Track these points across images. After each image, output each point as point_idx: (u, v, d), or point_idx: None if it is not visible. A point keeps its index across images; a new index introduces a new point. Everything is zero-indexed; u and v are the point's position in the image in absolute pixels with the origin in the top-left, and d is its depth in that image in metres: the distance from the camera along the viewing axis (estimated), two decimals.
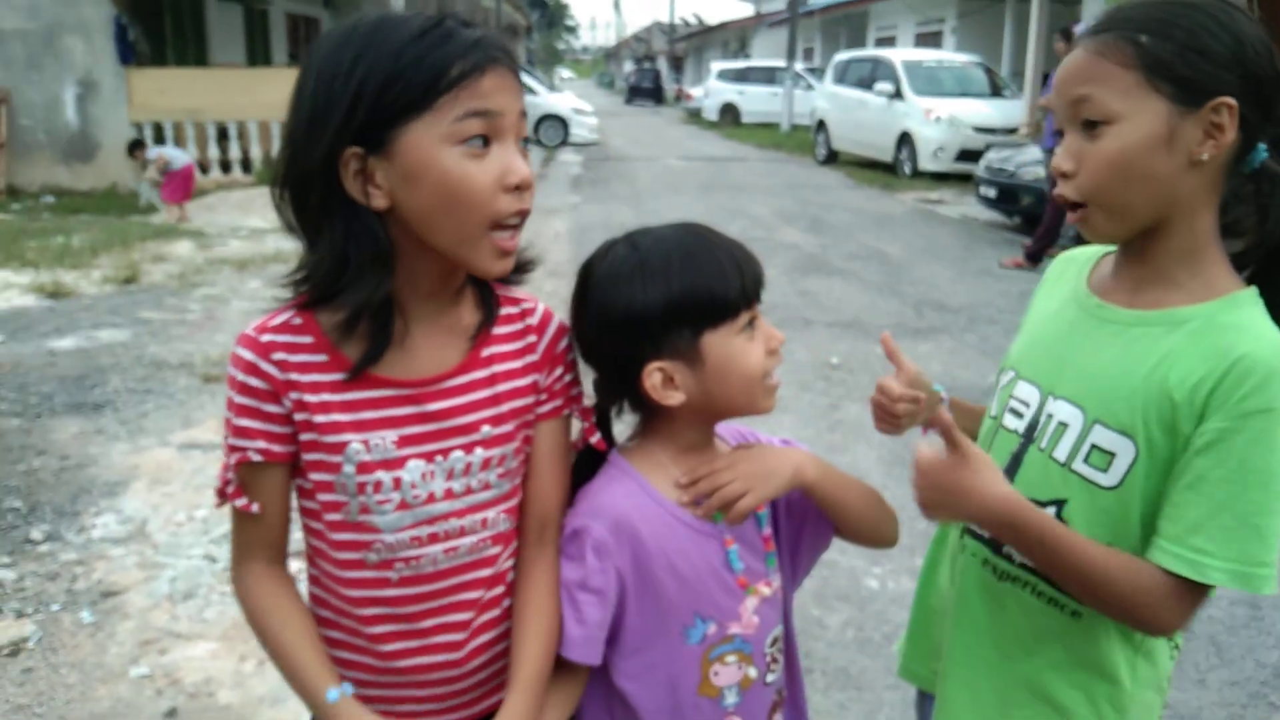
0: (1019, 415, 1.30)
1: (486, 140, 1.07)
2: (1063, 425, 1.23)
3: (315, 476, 1.16)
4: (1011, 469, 1.29)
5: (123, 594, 3.18)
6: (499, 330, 1.23)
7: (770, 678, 1.29)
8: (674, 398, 1.19)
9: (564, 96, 23.06)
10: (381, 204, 1.07)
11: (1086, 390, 1.22)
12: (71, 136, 12.28)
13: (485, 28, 1.10)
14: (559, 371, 1.27)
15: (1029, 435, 1.28)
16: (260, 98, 12.19)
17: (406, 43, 1.04)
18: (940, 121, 14.46)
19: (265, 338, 1.13)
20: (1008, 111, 14.62)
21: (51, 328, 6.24)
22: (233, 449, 1.15)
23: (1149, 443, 1.16)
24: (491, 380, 1.21)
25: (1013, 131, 13.91)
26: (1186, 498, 1.12)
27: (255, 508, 1.16)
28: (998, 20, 19.10)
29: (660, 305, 1.17)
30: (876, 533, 1.34)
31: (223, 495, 1.18)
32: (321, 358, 1.14)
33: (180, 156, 11.26)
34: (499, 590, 1.25)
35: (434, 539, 1.19)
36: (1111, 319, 1.24)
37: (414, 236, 1.10)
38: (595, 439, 1.28)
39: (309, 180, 1.08)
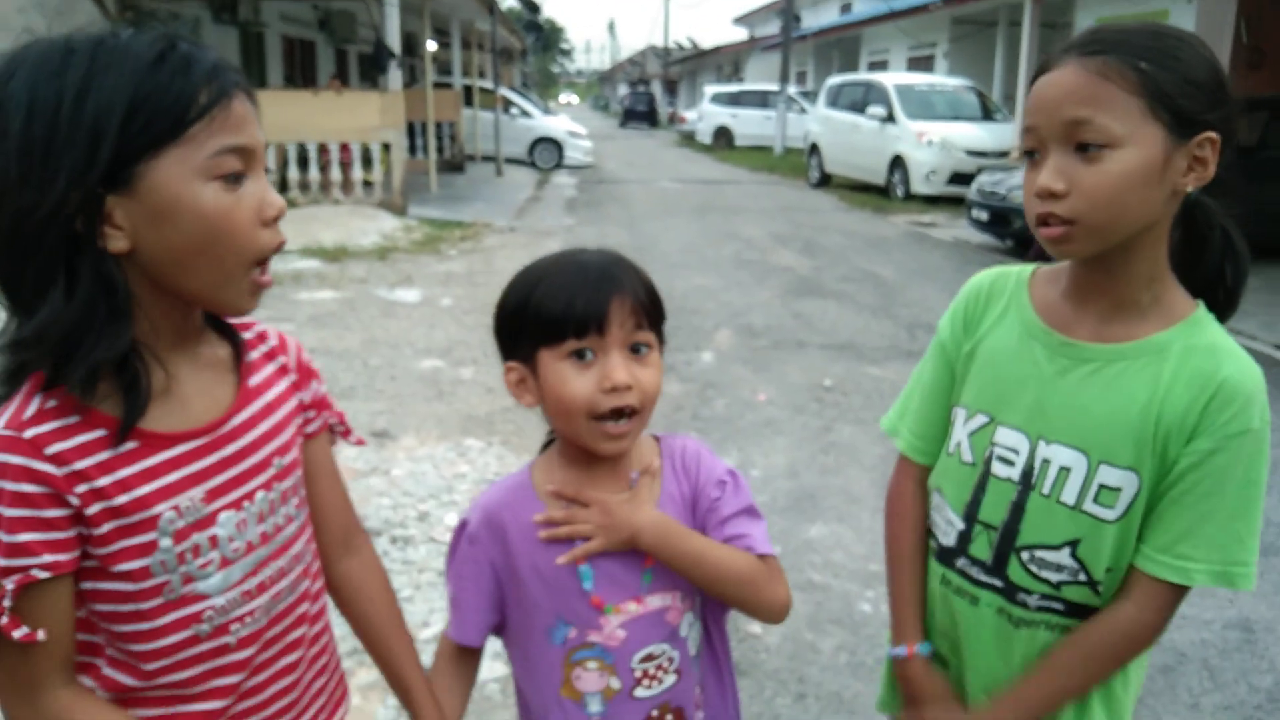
0: (1009, 463, 1.30)
1: (239, 176, 1.00)
2: (1065, 470, 1.25)
3: (126, 567, 1.03)
4: (1015, 517, 1.29)
5: None
6: (252, 356, 1.18)
7: (640, 692, 1.26)
8: (526, 399, 1.24)
9: (558, 119, 23.14)
10: (121, 246, 0.96)
11: (1083, 433, 1.24)
12: None
13: (212, 51, 1.02)
14: (314, 385, 1.26)
15: (1026, 482, 1.28)
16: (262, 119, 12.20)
17: (146, 69, 0.95)
18: (932, 145, 14.54)
19: (29, 433, 0.96)
20: (999, 135, 14.69)
21: None
22: (5, 572, 0.95)
23: (1149, 471, 1.21)
24: (268, 409, 1.16)
25: (1004, 155, 13.99)
26: (1173, 511, 1.20)
27: (41, 634, 0.98)
28: (989, 44, 19.24)
29: (510, 311, 1.24)
30: (742, 606, 1.29)
31: None
32: (100, 433, 1.00)
33: None
34: (321, 620, 1.27)
35: (262, 588, 1.14)
36: (1087, 357, 1.24)
37: (153, 279, 1.00)
38: (353, 439, 1.32)
39: (32, 230, 0.93)
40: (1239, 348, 1.22)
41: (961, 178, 13.71)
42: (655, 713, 1.28)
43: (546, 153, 21.50)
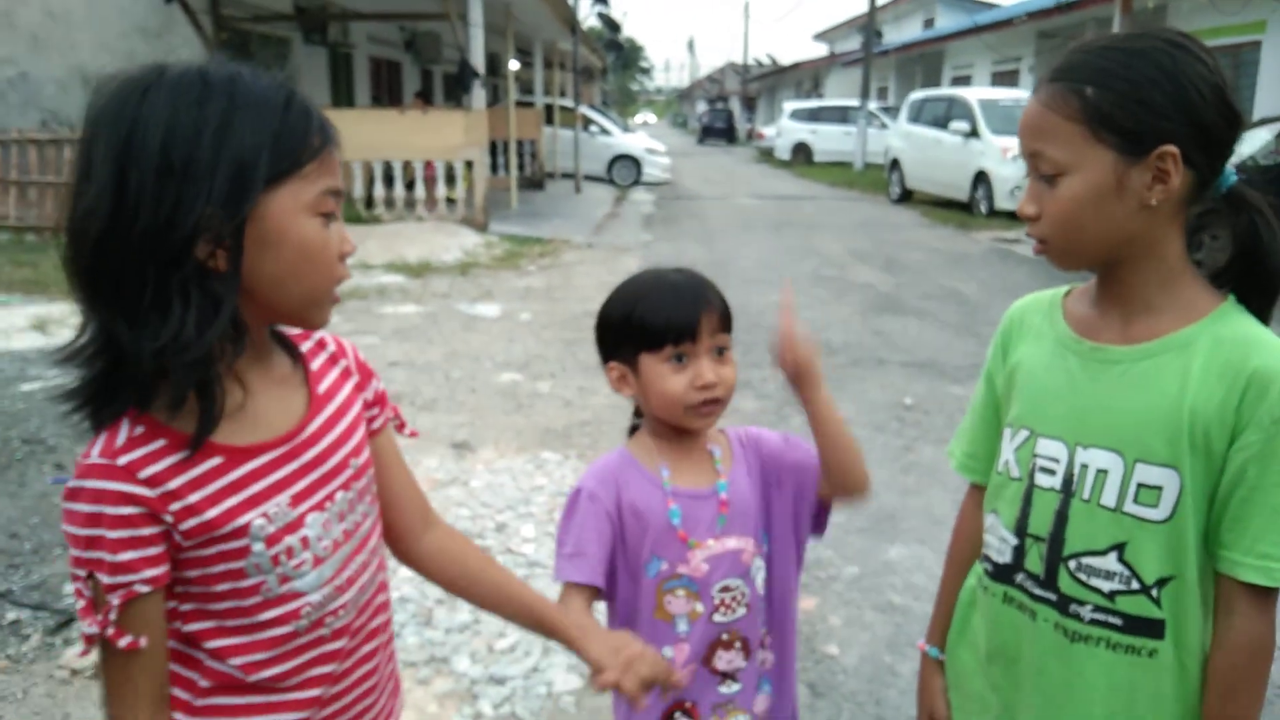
0: (1051, 473, 1.31)
1: (330, 215, 1.11)
2: (1102, 472, 1.25)
3: (220, 568, 1.10)
4: (1059, 526, 1.30)
5: None
6: (315, 364, 1.25)
7: (718, 618, 1.51)
8: (626, 391, 1.51)
9: (637, 137, 23.29)
10: (223, 268, 1.02)
11: (1116, 433, 1.24)
12: None
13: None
14: (374, 383, 1.35)
15: (1067, 490, 1.29)
16: (344, 138, 12.51)
17: (277, 110, 1.05)
18: (1017, 160, 14.14)
19: (122, 460, 1.03)
20: None
21: None
22: (112, 588, 1.03)
23: (1191, 469, 1.20)
24: (339, 414, 1.23)
25: None
26: (1245, 510, 1.18)
27: (144, 641, 1.06)
28: None
29: (614, 321, 1.50)
30: (849, 478, 1.54)
31: (94, 641, 1.06)
32: (185, 453, 1.05)
33: None
34: (389, 609, 1.35)
35: (350, 582, 1.22)
36: (1114, 359, 1.26)
37: (250, 300, 1.06)
38: (408, 431, 1.45)
39: (158, 248, 0.98)
40: (1271, 336, 1.20)
41: None
42: (726, 636, 1.53)
43: (625, 170, 21.64)
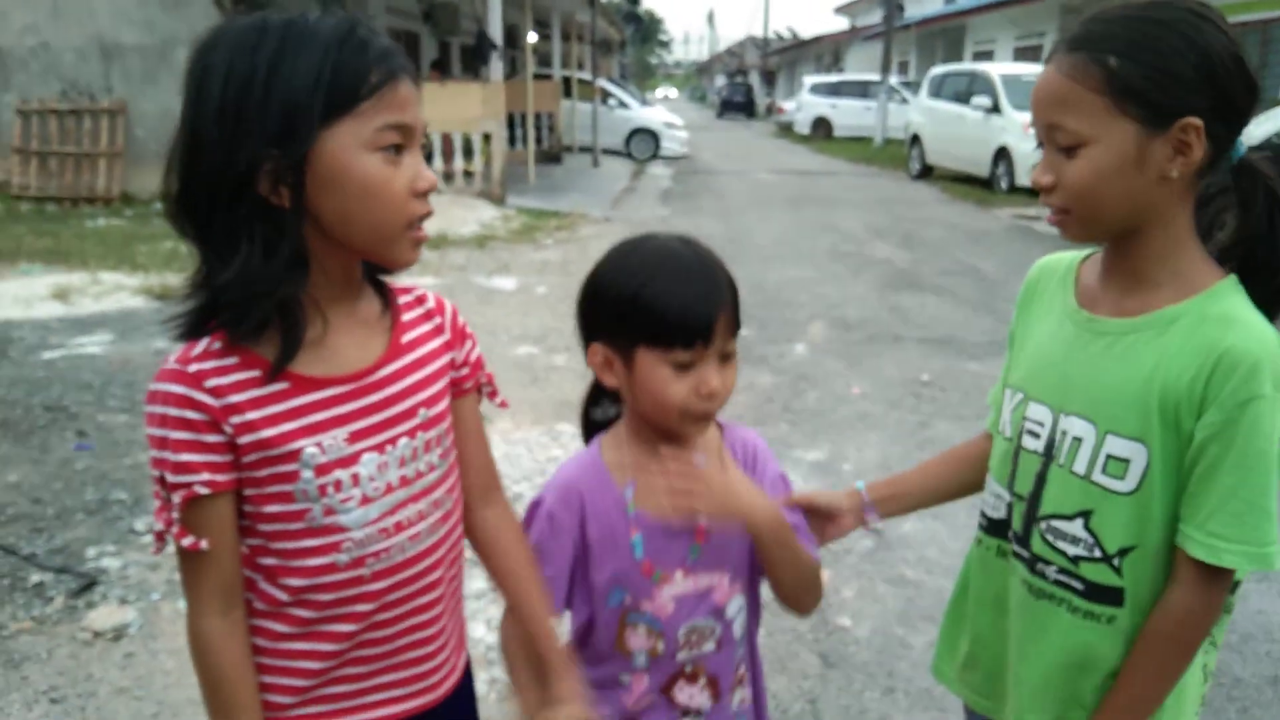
0: (1036, 436, 1.34)
1: (399, 148, 1.11)
2: (1077, 440, 1.27)
3: (272, 489, 1.15)
4: (1038, 488, 1.33)
5: None
6: (408, 316, 1.28)
7: (681, 655, 1.39)
8: (608, 379, 1.33)
9: (655, 110, 23.17)
10: (286, 205, 1.08)
11: (1094, 404, 1.26)
12: None
13: (384, 37, 1.12)
14: (468, 346, 1.36)
15: (1048, 454, 1.31)
16: None
17: (328, 48, 1.06)
18: None
19: (193, 368, 1.11)
20: None
21: (159, 328, 6.49)
22: (174, 487, 1.11)
23: (1161, 445, 1.21)
24: (418, 364, 1.26)
25: None
26: (1201, 487, 1.19)
27: (204, 544, 1.13)
28: None
29: (609, 299, 1.29)
30: (798, 602, 1.42)
31: (162, 539, 1.14)
32: (254, 373, 1.12)
33: None
34: (456, 565, 1.35)
35: (399, 528, 1.23)
36: (1104, 330, 1.28)
37: (323, 236, 1.11)
38: (498, 400, 1.42)
39: (222, 187, 1.06)
40: (1257, 317, 1.20)
41: None
42: (690, 669, 1.40)
43: (643, 144, 21.55)
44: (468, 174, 13.06)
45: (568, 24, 22.28)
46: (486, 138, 12.76)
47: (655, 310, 1.25)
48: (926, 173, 17.67)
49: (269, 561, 1.19)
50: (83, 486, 4.03)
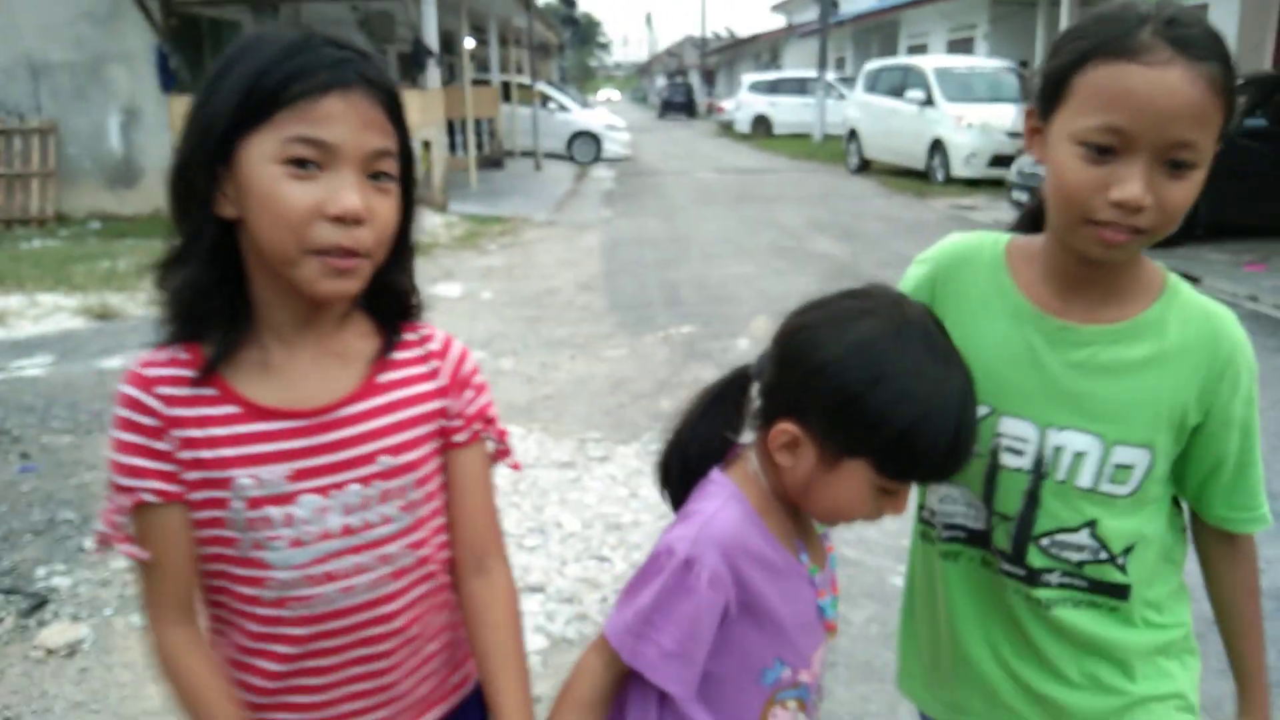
0: (1018, 453, 1.26)
1: (309, 164, 1.02)
2: (1079, 455, 1.23)
3: (206, 514, 1.11)
4: (1030, 505, 1.27)
5: None
6: (399, 355, 1.19)
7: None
8: (785, 459, 1.13)
9: (596, 113, 23.25)
10: (230, 213, 1.06)
11: (1095, 417, 1.22)
12: (116, 163, 12.59)
13: (354, 53, 1.07)
14: (469, 395, 1.24)
15: (1038, 470, 1.26)
16: None
17: (268, 59, 1.02)
18: (972, 128, 14.43)
19: (150, 372, 1.09)
20: None
21: (99, 348, 6.44)
22: (122, 489, 1.08)
23: (1163, 445, 1.24)
24: (390, 407, 1.16)
25: None
26: (1240, 476, 1.27)
27: (146, 555, 1.09)
28: (1030, 24, 19.01)
29: (866, 412, 1.07)
30: None
31: (105, 541, 1.10)
32: (210, 391, 1.09)
33: None
34: (423, 623, 1.23)
35: (329, 578, 1.14)
36: (1085, 340, 1.22)
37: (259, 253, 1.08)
38: (509, 461, 1.28)
39: (183, 190, 1.07)
40: (1220, 306, 1.26)
41: (1002, 160, 13.62)
42: None
43: (585, 146, 21.61)
44: None
45: (504, 29, 22.25)
46: (426, 145, 12.73)
47: (917, 453, 1.07)
48: (865, 167, 17.95)
49: (208, 581, 1.15)
50: (29, 508, 4.01)
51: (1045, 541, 1.27)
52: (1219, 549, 1.33)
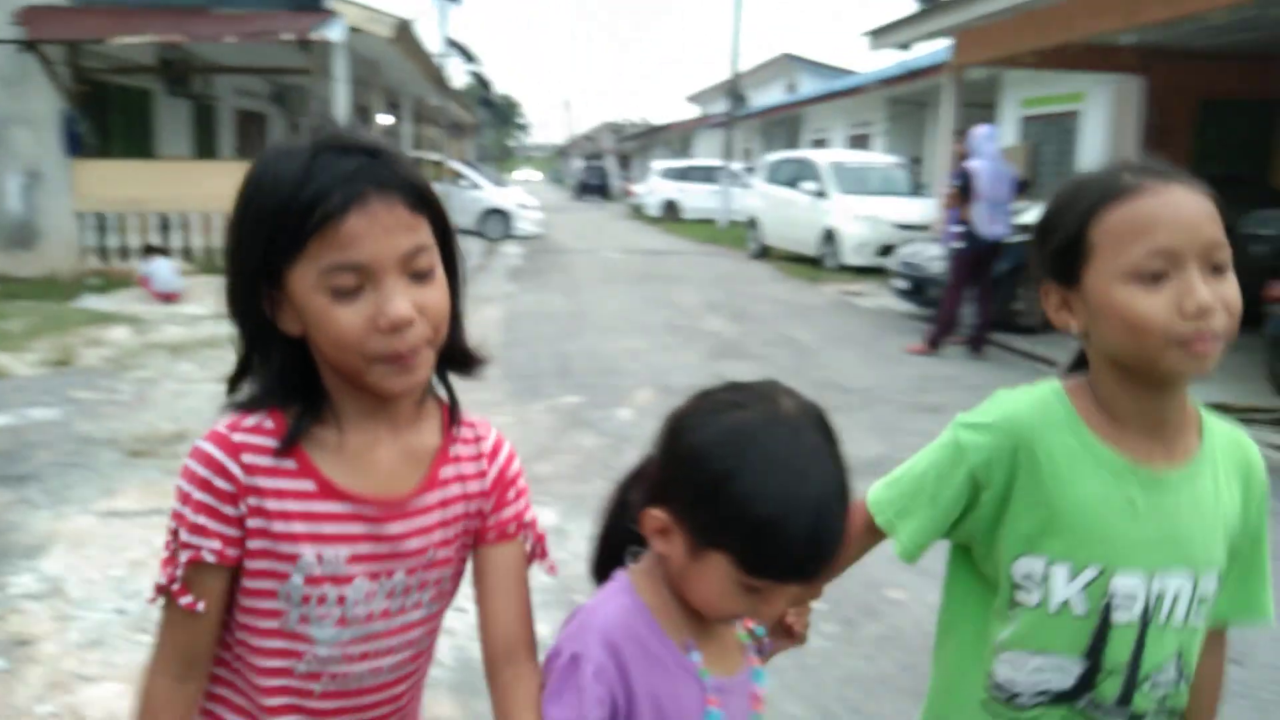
0: (1128, 609, 1.27)
1: (359, 285, 1.04)
2: (1176, 596, 1.28)
3: (258, 584, 1.13)
4: (1136, 654, 1.28)
5: (35, 643, 3.37)
6: (456, 450, 1.23)
7: None
8: (661, 547, 1.12)
9: (509, 192, 23.59)
10: (295, 330, 1.09)
11: (1189, 555, 1.28)
12: (14, 225, 12.46)
13: (363, 156, 1.06)
14: (510, 495, 1.26)
15: (1144, 619, 1.28)
16: (203, 189, 12.45)
17: (289, 185, 1.03)
18: (862, 219, 15.18)
19: (237, 437, 1.11)
20: (928, 209, 15.37)
21: None
22: (186, 545, 1.10)
23: (1222, 564, 1.32)
24: (444, 503, 1.21)
25: (928, 229, 14.65)
26: (1253, 575, 1.38)
27: (201, 606, 1.12)
28: (922, 123, 20.14)
29: (726, 505, 1.05)
30: None
31: (164, 590, 1.12)
32: (290, 464, 1.12)
33: (163, 278, 11.13)
34: (412, 701, 1.30)
35: (364, 657, 1.19)
36: (1173, 484, 1.27)
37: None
38: (545, 564, 1.29)
39: (238, 305, 1.11)
40: (1237, 428, 1.38)
41: (891, 249, 14.29)
42: None
43: (496, 224, 21.87)
44: None
45: (420, 107, 22.66)
46: None
47: (774, 549, 1.04)
48: (765, 253, 18.59)
49: (237, 650, 1.18)
50: None
51: (1148, 685, 1.29)
52: (1216, 634, 1.40)
